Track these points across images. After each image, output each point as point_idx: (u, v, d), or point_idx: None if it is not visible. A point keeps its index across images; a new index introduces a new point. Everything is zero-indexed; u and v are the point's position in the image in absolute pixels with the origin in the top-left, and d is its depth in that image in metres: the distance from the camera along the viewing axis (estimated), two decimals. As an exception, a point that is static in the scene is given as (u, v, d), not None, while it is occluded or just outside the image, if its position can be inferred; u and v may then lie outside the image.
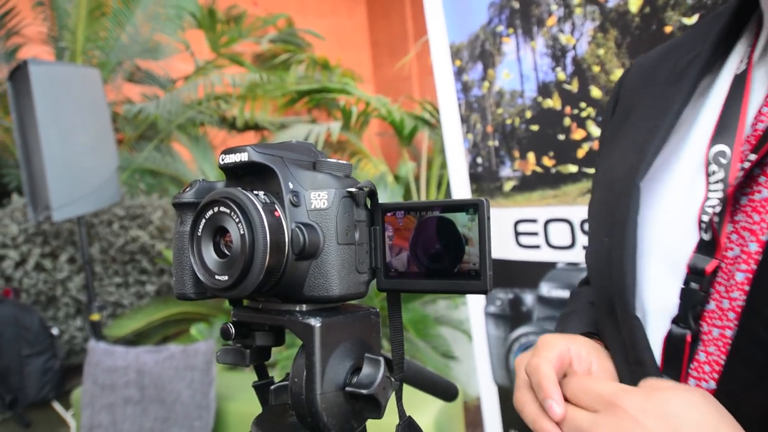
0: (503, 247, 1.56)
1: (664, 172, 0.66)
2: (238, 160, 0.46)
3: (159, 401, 2.07)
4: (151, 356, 2.14)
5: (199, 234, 0.45)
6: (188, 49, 5.01)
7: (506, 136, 1.54)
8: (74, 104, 2.82)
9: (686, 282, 0.59)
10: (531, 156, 1.49)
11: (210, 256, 0.45)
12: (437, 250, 0.46)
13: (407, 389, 0.58)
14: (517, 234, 1.55)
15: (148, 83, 4.76)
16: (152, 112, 3.85)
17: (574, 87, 1.37)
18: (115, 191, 2.99)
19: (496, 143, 1.57)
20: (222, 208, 0.43)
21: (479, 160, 1.63)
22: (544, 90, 1.43)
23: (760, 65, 0.63)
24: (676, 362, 0.60)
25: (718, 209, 0.58)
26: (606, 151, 0.75)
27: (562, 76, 1.39)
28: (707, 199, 0.61)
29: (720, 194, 0.59)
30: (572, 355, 0.61)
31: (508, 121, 1.53)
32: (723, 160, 0.60)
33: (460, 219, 0.45)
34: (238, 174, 0.47)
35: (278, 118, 5.66)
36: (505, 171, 1.56)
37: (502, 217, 1.56)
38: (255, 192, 0.44)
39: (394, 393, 0.50)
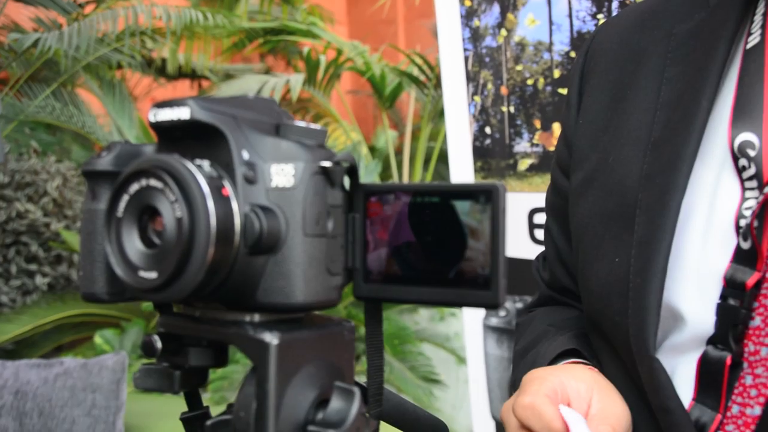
0: (513, 242, 1.57)
1: None
2: (175, 118, 0.44)
3: (47, 432, 2.05)
4: (38, 372, 2.11)
5: (120, 215, 0.44)
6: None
7: (525, 100, 1.55)
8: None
9: (723, 297, 0.65)
10: (557, 127, 1.50)
11: (133, 245, 0.44)
12: (434, 249, 0.46)
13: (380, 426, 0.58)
14: (532, 226, 1.56)
15: (44, 5, 4.65)
16: (52, 46, 3.76)
17: (615, 42, 1.38)
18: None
19: (512, 109, 1.58)
20: (152, 182, 0.42)
21: (488, 129, 1.64)
22: (580, 42, 1.43)
23: None
24: (714, 389, 0.65)
25: (756, 212, 0.63)
26: (588, 142, 0.81)
27: (603, 24, 1.40)
28: (744, 199, 0.65)
29: (756, 192, 0.64)
30: (569, 393, 0.64)
31: (530, 82, 1.53)
32: (752, 152, 0.65)
33: (466, 208, 0.45)
34: (174, 136, 0.46)
35: (222, 64, 5.59)
36: (522, 145, 1.57)
37: (514, 204, 1.57)
38: (197, 162, 0.43)
39: (368, 434, 0.50)
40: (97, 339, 3.29)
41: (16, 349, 3.55)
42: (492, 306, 0.44)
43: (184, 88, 5.67)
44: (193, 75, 5.44)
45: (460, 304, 0.46)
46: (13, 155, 3.98)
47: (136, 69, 5.02)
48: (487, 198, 0.44)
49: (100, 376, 2.08)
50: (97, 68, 4.47)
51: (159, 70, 5.30)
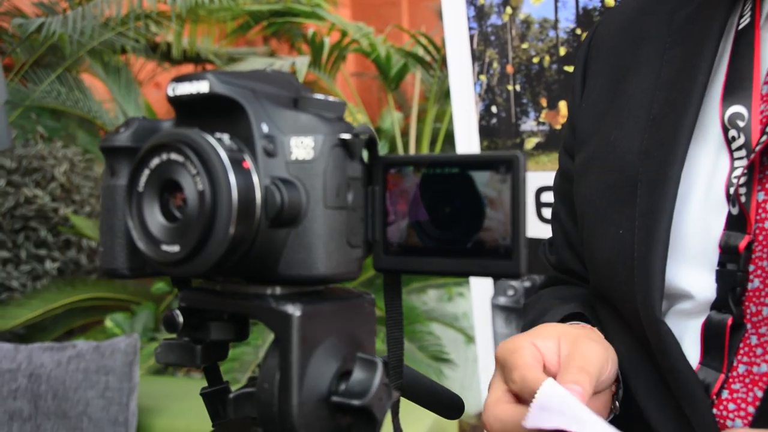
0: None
1: None
2: (194, 92, 0.44)
3: (60, 416, 2.06)
4: (51, 356, 2.13)
5: (141, 190, 0.44)
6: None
7: (531, 78, 1.54)
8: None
9: (721, 263, 0.69)
10: (563, 106, 1.50)
11: (155, 219, 0.44)
12: (453, 220, 0.46)
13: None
14: (540, 205, 1.56)
15: (46, -11, 4.63)
16: (56, 31, 3.75)
17: (623, 18, 1.37)
18: (3, 135, 2.93)
19: (518, 88, 1.57)
20: (173, 156, 0.42)
21: (494, 108, 1.63)
22: (586, 19, 1.43)
23: None
24: (717, 351, 0.69)
25: (743, 179, 0.67)
26: (591, 123, 0.85)
27: (611, 1, 1.39)
28: (733, 169, 0.69)
29: (744, 162, 0.68)
30: (542, 352, 0.66)
31: (535, 60, 1.52)
32: (741, 123, 0.70)
33: (485, 179, 0.45)
34: (193, 110, 0.46)
35: (226, 48, 5.57)
36: (528, 124, 1.57)
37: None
38: (217, 135, 0.43)
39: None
40: (108, 323, 3.31)
41: (28, 334, 3.57)
42: (513, 276, 0.44)
43: (187, 71, 5.65)
44: (197, 59, 5.41)
45: (481, 274, 0.46)
46: (19, 141, 3.98)
47: (141, 53, 5.00)
48: (508, 168, 0.44)
49: (112, 359, 2.09)
50: (101, 53, 4.45)
51: (163, 54, 5.27)
